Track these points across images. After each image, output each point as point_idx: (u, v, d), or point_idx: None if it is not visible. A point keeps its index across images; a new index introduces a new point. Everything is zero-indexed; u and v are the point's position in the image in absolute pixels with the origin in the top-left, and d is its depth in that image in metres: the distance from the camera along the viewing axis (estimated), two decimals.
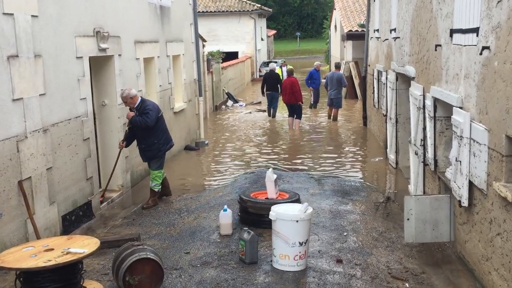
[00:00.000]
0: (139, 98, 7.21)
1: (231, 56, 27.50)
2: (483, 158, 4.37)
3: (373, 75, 12.25)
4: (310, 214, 4.92)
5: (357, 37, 19.31)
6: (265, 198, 6.42)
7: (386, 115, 10.05)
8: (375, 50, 12.13)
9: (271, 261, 5.14)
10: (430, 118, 6.02)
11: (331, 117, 15.11)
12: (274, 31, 47.97)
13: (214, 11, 29.52)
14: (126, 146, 7.44)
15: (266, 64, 30.61)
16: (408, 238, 5.46)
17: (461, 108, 4.95)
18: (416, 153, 6.89)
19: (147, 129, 7.14)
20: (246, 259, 5.07)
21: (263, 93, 16.49)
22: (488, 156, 4.29)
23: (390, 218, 6.70)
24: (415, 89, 7.02)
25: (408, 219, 5.42)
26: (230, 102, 19.61)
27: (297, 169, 9.66)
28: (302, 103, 13.81)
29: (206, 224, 6.49)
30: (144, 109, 7.12)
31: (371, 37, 12.84)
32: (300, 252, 4.87)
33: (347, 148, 11.43)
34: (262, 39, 34.98)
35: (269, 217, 4.90)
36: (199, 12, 28.87)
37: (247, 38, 30.68)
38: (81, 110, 6.80)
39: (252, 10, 30.26)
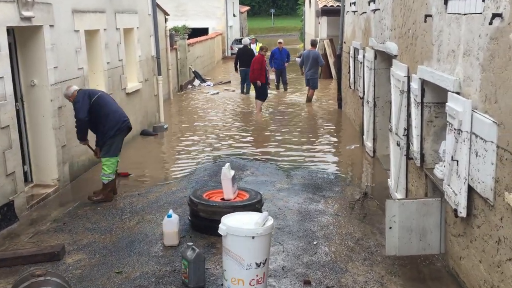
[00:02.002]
0: (77, 93, 6.30)
1: (201, 32, 26.07)
2: (489, 160, 3.40)
3: (349, 53, 11.22)
4: (270, 228, 3.89)
5: (332, 12, 18.22)
6: (221, 199, 5.37)
7: (363, 98, 9.07)
8: (352, 25, 11.08)
9: (221, 285, 4.12)
10: (417, 104, 5.03)
11: (308, 99, 14.14)
12: (247, 8, 46.38)
13: None
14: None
15: (238, 41, 29.26)
16: (390, 250, 4.51)
17: (458, 93, 3.96)
18: (397, 144, 5.92)
19: (91, 119, 6.30)
20: (190, 283, 4.03)
21: (236, 69, 16.27)
22: (496, 158, 3.32)
23: (368, 220, 5.75)
24: (398, 69, 6.01)
25: (390, 228, 4.47)
26: (197, 82, 18.35)
27: (264, 158, 8.63)
28: (264, 83, 12.57)
29: (150, 230, 5.41)
30: (74, 103, 6.28)
31: (347, 11, 11.77)
32: (257, 276, 3.85)
33: (320, 134, 10.43)
34: (234, 15, 33.52)
35: (219, 231, 3.85)
36: None
37: (217, 13, 29.20)
38: None
39: None
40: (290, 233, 5.31)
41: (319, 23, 20.67)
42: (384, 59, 7.98)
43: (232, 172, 5.42)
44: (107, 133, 6.35)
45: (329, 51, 18.78)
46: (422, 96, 4.91)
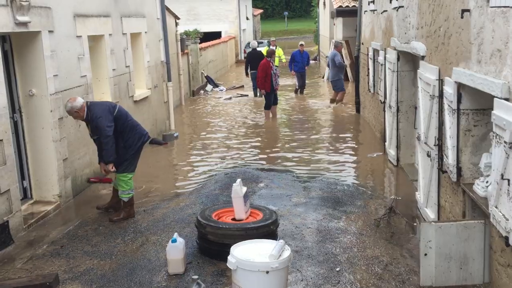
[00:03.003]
0: (86, 107, 5.67)
1: (214, 36, 25.64)
2: None
3: (367, 54, 10.63)
4: (287, 260, 3.35)
5: (347, 13, 17.60)
6: (232, 220, 4.84)
7: (384, 102, 8.47)
8: (370, 25, 10.49)
9: None
10: (452, 111, 4.45)
11: (331, 100, 13.69)
12: (260, 10, 45.98)
13: None
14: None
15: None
16: (425, 280, 3.93)
17: (507, 100, 3.37)
18: (428, 155, 5.33)
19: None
20: None
21: (247, 73, 15.96)
22: None
23: (396, 240, 5.16)
24: (427, 71, 5.42)
25: (425, 254, 3.89)
26: (209, 87, 17.88)
27: (279, 167, 8.08)
28: (269, 92, 11.85)
29: (153, 254, 4.90)
30: (92, 119, 5.62)
31: (365, 11, 11.17)
32: None
33: (338, 140, 9.84)
34: (247, 18, 33.07)
35: (227, 264, 3.32)
36: None
37: (230, 17, 28.75)
38: None
39: None
40: (310, 257, 4.75)
41: (334, 24, 20.07)
42: (408, 60, 7.39)
43: (244, 189, 4.89)
44: (130, 147, 5.88)
45: (345, 53, 18.14)
46: (459, 102, 4.33)
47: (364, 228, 5.48)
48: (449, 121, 4.53)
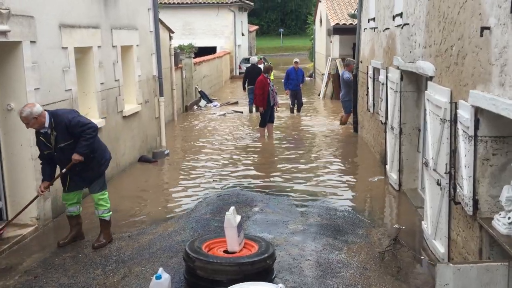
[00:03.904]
0: (46, 114, 5.10)
1: (209, 51, 25.38)
2: None
3: (367, 73, 10.30)
4: None
5: (345, 31, 17.41)
6: (224, 251, 4.38)
7: (385, 123, 8.09)
8: (370, 43, 10.17)
9: None
10: (468, 137, 4.05)
11: (341, 122, 12.96)
12: (256, 27, 45.86)
13: (190, 3, 27.26)
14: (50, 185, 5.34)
15: (247, 60, 28.56)
16: None
17: None
18: (438, 183, 4.92)
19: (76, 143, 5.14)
20: None
21: (244, 88, 15.90)
22: None
23: (403, 276, 4.73)
24: (436, 93, 5.05)
25: None
26: (203, 102, 17.50)
27: (274, 190, 7.64)
28: (266, 109, 11.47)
29: None
30: (68, 121, 5.07)
31: (364, 28, 10.88)
32: None
33: (335, 162, 9.42)
34: (243, 34, 32.89)
35: None
36: (173, 3, 26.85)
37: (226, 32, 28.53)
38: None
39: (231, 2, 28.06)
40: None
41: (331, 41, 19.84)
42: (412, 80, 7.04)
43: (238, 218, 4.44)
44: (101, 160, 5.42)
45: (341, 71, 17.88)
46: (476, 128, 3.94)
47: (368, 261, 5.04)
48: (465, 148, 4.14)
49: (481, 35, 3.77)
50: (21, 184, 5.91)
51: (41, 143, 5.14)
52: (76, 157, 5.08)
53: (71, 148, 5.11)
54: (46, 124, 5.04)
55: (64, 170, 5.22)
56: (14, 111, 5.74)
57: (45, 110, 5.15)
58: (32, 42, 5.84)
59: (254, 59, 16.97)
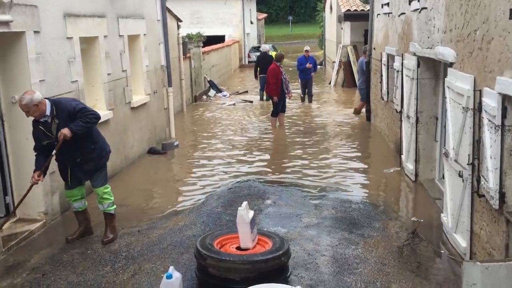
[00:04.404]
0: (47, 102, 4.92)
1: (217, 40, 25.09)
2: None
3: (380, 60, 10.01)
4: None
5: (356, 17, 17.06)
6: (236, 248, 4.21)
7: (400, 112, 7.84)
8: (384, 29, 9.87)
9: None
10: (494, 127, 3.82)
11: (355, 111, 12.65)
12: (264, 15, 45.47)
13: None
14: (44, 175, 5.18)
15: (256, 49, 28.27)
16: None
17: None
18: (459, 175, 4.69)
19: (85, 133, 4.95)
20: None
21: (256, 76, 15.75)
22: None
23: (423, 272, 4.53)
24: (458, 80, 4.80)
25: None
26: (212, 92, 17.29)
27: (287, 181, 7.44)
28: (280, 99, 11.23)
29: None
30: (72, 108, 4.88)
31: (378, 14, 10.56)
32: None
33: (349, 152, 9.18)
34: (251, 22, 32.54)
35: None
36: None
37: (234, 20, 28.21)
38: None
39: None
40: None
41: (342, 28, 19.47)
42: (429, 67, 6.78)
43: (251, 214, 4.26)
44: (102, 152, 5.23)
45: (352, 59, 17.57)
46: (504, 116, 3.70)
47: (386, 256, 4.84)
48: (490, 138, 3.90)
49: (511, 17, 3.51)
50: (28, 178, 5.72)
51: (40, 132, 4.93)
52: (65, 131, 4.79)
53: (72, 137, 4.91)
54: (47, 112, 4.86)
55: (54, 152, 4.98)
56: (18, 104, 5.57)
57: (45, 98, 4.98)
58: (36, 32, 5.66)
59: (265, 47, 16.76)
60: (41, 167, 5.02)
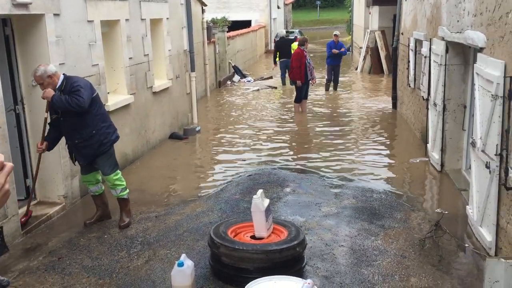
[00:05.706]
0: (62, 76, 4.93)
1: (244, 25, 24.87)
2: None
3: (408, 45, 9.69)
4: None
5: (384, 1, 16.50)
6: (251, 237, 4.12)
7: (427, 99, 7.58)
8: (412, 13, 9.54)
9: None
10: None
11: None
12: (292, 0, 44.81)
13: None
14: (49, 148, 5.19)
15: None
16: None
17: None
18: (486, 166, 4.48)
19: (79, 115, 4.87)
20: None
21: (275, 62, 15.75)
22: None
23: (445, 266, 4.36)
24: (487, 66, 4.56)
25: None
26: (236, 77, 17.18)
27: (308, 169, 7.31)
28: (303, 83, 11.09)
29: (159, 275, 4.24)
30: (72, 86, 4.83)
31: None
32: None
33: (373, 140, 8.97)
34: (278, 7, 32.13)
35: None
36: None
37: (261, 5, 27.90)
38: None
39: None
40: (342, 286, 4.00)
41: (369, 13, 19.00)
42: (458, 52, 6.50)
43: (266, 202, 4.16)
44: (104, 138, 5.08)
45: (380, 44, 17.15)
46: None
47: (406, 248, 4.68)
48: None
49: None
50: (48, 162, 5.79)
51: (51, 107, 4.96)
52: (48, 93, 4.79)
53: (72, 116, 4.86)
54: (58, 85, 4.87)
55: (45, 115, 5.07)
56: (38, 87, 5.58)
57: (62, 74, 4.98)
58: (56, 15, 5.64)
59: (282, 31, 16.82)
60: (51, 141, 5.11)
